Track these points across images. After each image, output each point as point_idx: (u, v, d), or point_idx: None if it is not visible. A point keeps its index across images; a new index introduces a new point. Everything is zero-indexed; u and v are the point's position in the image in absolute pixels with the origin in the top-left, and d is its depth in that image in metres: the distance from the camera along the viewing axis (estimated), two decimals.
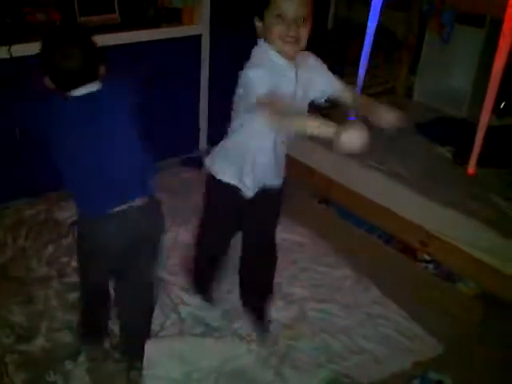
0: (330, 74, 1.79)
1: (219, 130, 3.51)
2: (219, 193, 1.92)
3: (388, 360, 2.10)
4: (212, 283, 2.28)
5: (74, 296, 2.23)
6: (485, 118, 2.39)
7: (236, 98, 1.73)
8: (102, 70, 1.61)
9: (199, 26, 3.19)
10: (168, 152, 3.39)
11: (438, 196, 2.57)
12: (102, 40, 1.74)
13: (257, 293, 2.20)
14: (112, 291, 1.95)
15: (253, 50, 1.68)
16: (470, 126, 2.90)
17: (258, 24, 1.65)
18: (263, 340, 2.11)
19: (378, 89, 3.88)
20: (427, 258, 2.62)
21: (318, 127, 1.44)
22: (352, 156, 2.81)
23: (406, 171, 2.80)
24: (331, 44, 3.77)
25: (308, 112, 1.77)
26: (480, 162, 2.58)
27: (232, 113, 1.81)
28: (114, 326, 2.10)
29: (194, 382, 1.93)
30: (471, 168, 2.54)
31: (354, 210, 2.88)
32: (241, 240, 2.09)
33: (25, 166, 2.74)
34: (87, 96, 1.58)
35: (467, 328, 2.26)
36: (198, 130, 3.53)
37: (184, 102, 3.36)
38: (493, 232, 2.36)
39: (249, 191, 1.85)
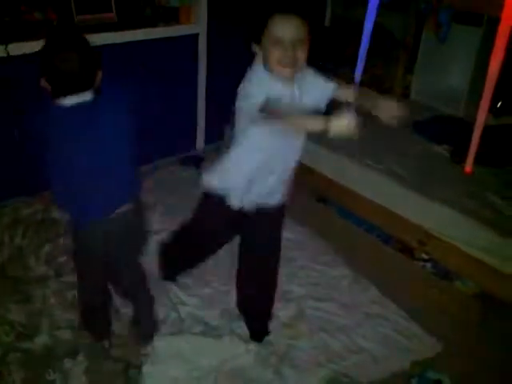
0: (327, 84, 1.78)
1: (216, 128, 3.53)
2: (211, 204, 1.92)
3: (387, 359, 2.10)
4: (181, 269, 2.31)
5: (72, 294, 2.24)
6: (481, 117, 2.39)
7: (236, 111, 1.73)
8: (99, 76, 1.62)
9: (196, 25, 3.19)
10: (166, 151, 3.40)
11: (435, 195, 2.57)
12: (99, 39, 1.74)
13: (255, 316, 2.19)
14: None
15: (248, 73, 1.67)
16: (467, 125, 2.89)
17: (256, 49, 1.65)
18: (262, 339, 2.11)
19: (376, 88, 3.87)
20: (425, 257, 2.62)
21: (313, 122, 1.52)
22: (350, 155, 2.85)
23: (403, 170, 2.80)
24: (328, 42, 3.77)
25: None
26: (477, 161, 2.58)
27: (231, 125, 1.80)
28: (114, 326, 2.11)
29: (193, 380, 1.93)
30: (468, 167, 2.54)
31: (353, 209, 2.88)
32: (238, 253, 2.07)
33: (22, 165, 2.73)
34: (82, 105, 1.59)
35: (465, 327, 2.27)
36: (196, 128, 3.53)
37: (181, 101, 3.36)
38: (490, 231, 2.36)
39: (244, 205, 1.85)
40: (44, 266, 2.43)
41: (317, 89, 1.76)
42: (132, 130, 1.72)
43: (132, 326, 2.12)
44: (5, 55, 2.43)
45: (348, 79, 3.06)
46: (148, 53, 2.99)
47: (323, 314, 2.29)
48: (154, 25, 2.99)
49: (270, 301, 2.15)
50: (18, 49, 2.45)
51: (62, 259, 2.45)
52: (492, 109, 2.80)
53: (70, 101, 1.58)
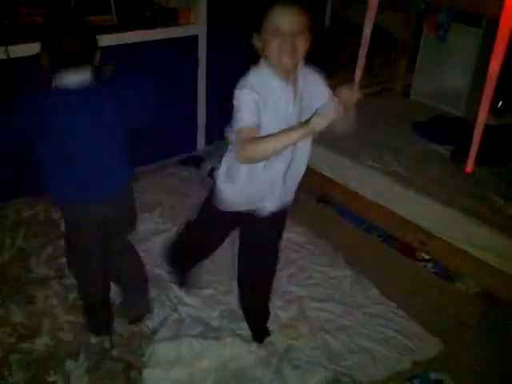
0: (329, 97, 1.76)
1: (217, 129, 3.52)
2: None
3: (388, 359, 2.10)
4: (189, 266, 2.28)
5: (73, 296, 2.24)
6: (482, 116, 2.39)
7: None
8: (98, 56, 1.68)
9: (196, 26, 3.19)
10: (166, 151, 3.40)
11: (436, 195, 2.57)
12: (99, 41, 1.75)
13: (255, 313, 2.20)
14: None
15: (248, 73, 1.67)
16: (468, 125, 2.90)
17: (256, 38, 1.65)
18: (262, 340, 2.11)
19: (376, 88, 3.88)
20: (426, 257, 2.63)
21: (295, 133, 1.52)
22: (351, 155, 2.85)
23: (403, 170, 2.80)
24: (328, 43, 3.77)
25: None
26: (478, 161, 2.58)
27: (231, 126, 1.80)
28: (115, 326, 2.11)
29: (194, 382, 1.93)
30: (469, 167, 2.54)
31: (353, 209, 2.88)
32: (238, 248, 2.07)
33: (23, 166, 2.73)
34: (81, 88, 1.63)
35: (466, 327, 2.27)
36: (196, 129, 3.53)
37: (182, 101, 3.35)
38: (491, 231, 2.36)
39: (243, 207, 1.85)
40: (45, 268, 2.43)
41: (318, 98, 1.76)
42: (126, 119, 1.76)
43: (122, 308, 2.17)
44: (5, 57, 2.44)
45: (347, 79, 3.08)
46: (148, 54, 2.99)
47: (324, 314, 2.29)
48: (153, 26, 2.99)
49: (267, 298, 2.17)
50: (18, 51, 2.46)
51: (64, 260, 2.45)
52: (493, 108, 2.79)
53: (68, 79, 1.62)
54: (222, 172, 1.83)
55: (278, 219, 1.96)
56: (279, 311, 2.27)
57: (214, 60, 3.33)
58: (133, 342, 2.08)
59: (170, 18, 3.08)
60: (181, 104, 3.36)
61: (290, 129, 1.55)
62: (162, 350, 1.99)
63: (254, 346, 2.06)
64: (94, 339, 2.08)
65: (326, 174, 2.94)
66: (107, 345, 2.05)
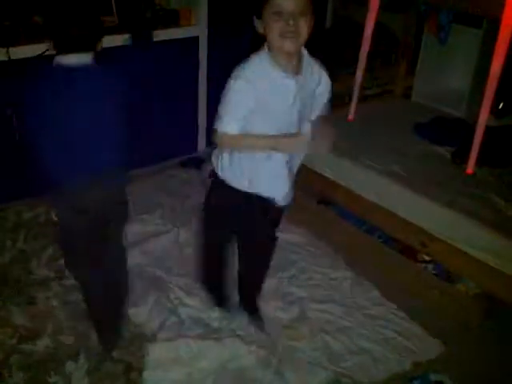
0: (326, 93, 1.81)
1: None
2: (225, 193, 1.88)
3: (388, 360, 2.10)
4: (223, 281, 2.25)
5: (74, 297, 2.24)
6: (483, 118, 2.39)
7: None
8: (100, 45, 1.70)
9: (197, 27, 3.19)
10: (167, 153, 3.40)
11: (436, 196, 2.57)
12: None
13: (250, 282, 2.23)
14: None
15: (246, 60, 1.66)
16: (469, 126, 2.90)
17: (257, 22, 1.63)
18: (262, 339, 2.11)
19: (377, 90, 3.88)
20: (427, 258, 2.62)
21: (263, 143, 1.66)
22: (352, 156, 2.85)
23: (404, 171, 2.79)
24: (329, 43, 3.77)
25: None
26: (479, 162, 2.58)
27: None
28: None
29: (194, 382, 1.93)
30: (470, 168, 2.54)
31: (354, 210, 2.88)
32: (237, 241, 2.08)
33: (24, 168, 2.73)
34: (81, 67, 1.65)
35: (467, 328, 2.26)
36: (197, 131, 3.53)
37: (182, 103, 3.36)
38: (492, 232, 2.35)
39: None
40: (46, 269, 2.43)
41: (321, 97, 1.78)
42: (124, 105, 1.79)
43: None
44: (6, 59, 2.44)
45: (348, 80, 3.08)
46: (148, 55, 3.00)
47: (324, 315, 2.29)
48: (154, 27, 2.99)
49: (264, 277, 2.21)
50: (20, 52, 2.46)
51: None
52: (493, 110, 2.79)
53: (69, 60, 1.64)
54: (225, 158, 1.82)
55: (276, 218, 1.98)
56: (280, 312, 2.27)
57: (214, 61, 3.33)
58: (133, 343, 2.08)
59: (171, 19, 3.09)
60: (182, 105, 3.36)
61: (263, 138, 1.65)
62: (159, 351, 1.99)
63: (253, 346, 2.06)
64: (93, 341, 2.07)
65: (326, 175, 2.93)
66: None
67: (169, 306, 2.26)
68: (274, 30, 1.57)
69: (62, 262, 2.44)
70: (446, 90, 3.69)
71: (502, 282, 2.31)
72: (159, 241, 2.64)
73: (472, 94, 3.43)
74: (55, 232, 2.61)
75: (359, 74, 2.91)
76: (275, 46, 1.60)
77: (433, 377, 2.02)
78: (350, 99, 3.02)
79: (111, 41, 2.73)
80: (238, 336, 2.12)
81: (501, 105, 2.99)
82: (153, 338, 2.10)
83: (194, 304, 2.28)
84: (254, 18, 1.62)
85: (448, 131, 3.24)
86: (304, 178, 2.86)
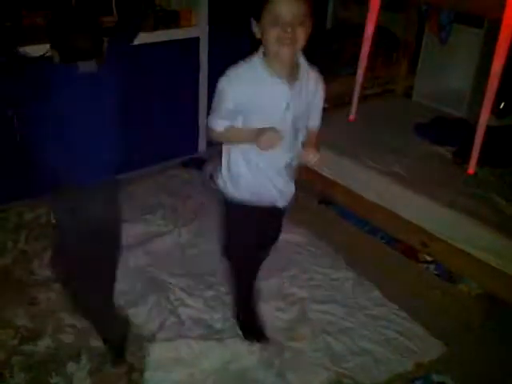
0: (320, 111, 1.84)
1: None
2: (239, 210, 1.89)
3: (390, 361, 2.09)
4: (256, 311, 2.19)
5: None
6: (484, 118, 2.39)
7: None
8: (105, 46, 1.71)
9: (197, 28, 3.19)
10: (168, 153, 3.40)
11: (438, 196, 2.57)
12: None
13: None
14: None
15: (239, 63, 1.68)
16: (470, 126, 2.90)
17: (255, 26, 1.63)
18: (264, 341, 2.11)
19: (378, 89, 3.88)
20: (428, 258, 2.62)
21: (245, 135, 1.69)
22: (353, 156, 2.85)
23: (405, 171, 2.80)
24: (330, 44, 3.77)
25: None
26: (480, 162, 2.58)
27: None
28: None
29: (195, 383, 1.93)
30: (471, 168, 2.54)
31: (355, 210, 2.88)
32: None
33: (25, 168, 2.73)
34: (87, 75, 1.68)
35: (469, 328, 2.26)
36: (198, 131, 3.54)
37: (183, 103, 3.36)
38: (493, 232, 2.35)
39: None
40: (48, 270, 2.43)
41: (314, 109, 1.79)
42: (125, 106, 1.80)
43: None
44: (7, 59, 2.44)
45: (349, 81, 3.08)
46: (149, 56, 3.00)
47: (326, 316, 2.28)
48: (154, 28, 2.99)
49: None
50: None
51: None
52: (495, 109, 2.79)
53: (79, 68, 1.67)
54: (224, 170, 1.83)
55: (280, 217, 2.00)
56: (280, 313, 2.27)
57: (215, 62, 3.33)
58: (133, 343, 2.08)
59: (172, 19, 3.08)
60: (182, 106, 3.36)
61: (246, 130, 1.68)
62: (160, 351, 1.99)
63: (255, 347, 2.06)
64: (94, 341, 2.07)
65: (326, 175, 2.94)
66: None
67: (169, 307, 2.25)
68: (271, 35, 1.57)
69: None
70: (446, 89, 3.69)
71: (503, 282, 2.31)
72: (160, 241, 2.63)
73: (473, 94, 3.43)
74: (55, 233, 2.63)
75: (360, 73, 2.91)
76: (271, 52, 1.61)
77: (435, 377, 2.02)
78: (350, 99, 3.02)
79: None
80: (240, 336, 2.12)
81: (502, 105, 2.99)
82: (152, 339, 2.09)
83: (196, 305, 2.28)
84: (252, 21, 1.62)
85: (449, 131, 3.24)
86: (305, 178, 2.87)
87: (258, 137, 1.61)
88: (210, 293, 2.36)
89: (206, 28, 3.22)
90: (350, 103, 3.04)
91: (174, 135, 3.32)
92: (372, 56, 2.98)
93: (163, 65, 3.11)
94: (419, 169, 2.85)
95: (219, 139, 1.77)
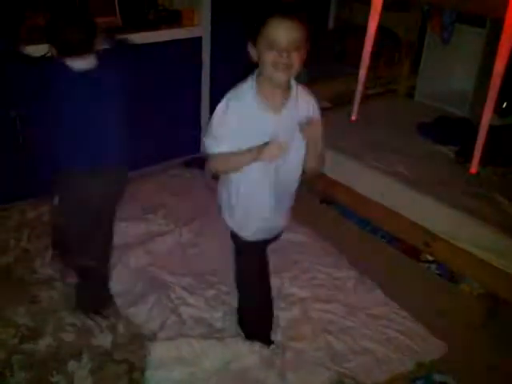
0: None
1: None
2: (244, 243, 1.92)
3: (391, 361, 2.09)
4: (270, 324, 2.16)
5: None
6: (487, 117, 2.39)
7: None
8: (99, 42, 1.81)
9: (200, 27, 3.19)
10: (171, 153, 3.40)
11: (440, 196, 2.57)
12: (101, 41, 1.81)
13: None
14: None
15: (232, 91, 1.70)
16: (472, 126, 2.89)
17: (251, 49, 1.63)
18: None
19: (380, 89, 3.88)
20: (430, 258, 2.62)
21: (244, 157, 1.66)
22: (355, 156, 2.85)
23: (408, 171, 2.79)
24: (332, 44, 3.77)
25: None
26: (482, 162, 2.58)
27: None
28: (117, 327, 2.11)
29: (196, 382, 1.93)
30: (473, 167, 2.53)
31: (357, 210, 2.88)
32: None
33: (27, 167, 2.75)
34: (87, 71, 1.77)
35: (470, 328, 2.26)
36: (200, 130, 3.54)
37: (185, 103, 3.36)
38: (496, 232, 2.35)
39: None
40: (50, 268, 2.43)
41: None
42: (126, 105, 1.89)
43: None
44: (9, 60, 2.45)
45: (349, 81, 3.08)
46: (151, 56, 3.00)
47: (327, 315, 2.28)
48: (157, 28, 3.00)
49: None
50: None
51: None
52: (497, 109, 2.79)
53: (74, 64, 1.76)
54: (224, 202, 1.87)
55: None
56: (282, 312, 2.26)
57: (217, 61, 3.33)
58: (134, 342, 2.08)
59: (174, 19, 3.09)
60: (185, 105, 3.36)
61: (245, 151, 1.65)
62: (161, 350, 1.99)
63: (256, 346, 2.05)
64: (95, 340, 2.08)
65: (329, 174, 2.94)
66: (109, 346, 2.05)
67: (170, 306, 2.25)
68: (266, 59, 1.57)
69: None
70: (449, 89, 3.69)
71: (505, 281, 2.30)
72: (162, 240, 2.64)
73: (475, 94, 3.43)
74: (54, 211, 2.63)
75: (362, 73, 2.90)
76: (266, 75, 1.62)
77: (436, 377, 2.01)
78: (350, 100, 3.01)
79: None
80: (241, 336, 2.11)
81: (504, 104, 2.99)
82: (153, 338, 2.10)
83: (197, 304, 2.27)
84: (249, 44, 1.63)
85: (451, 131, 3.24)
86: (307, 178, 2.87)
87: (261, 149, 1.62)
88: (210, 292, 2.35)
89: (209, 27, 3.22)
90: (349, 103, 3.04)
91: (176, 135, 3.32)
92: (374, 56, 2.97)
93: (165, 64, 3.11)
94: (422, 168, 2.85)
95: (218, 167, 1.77)
